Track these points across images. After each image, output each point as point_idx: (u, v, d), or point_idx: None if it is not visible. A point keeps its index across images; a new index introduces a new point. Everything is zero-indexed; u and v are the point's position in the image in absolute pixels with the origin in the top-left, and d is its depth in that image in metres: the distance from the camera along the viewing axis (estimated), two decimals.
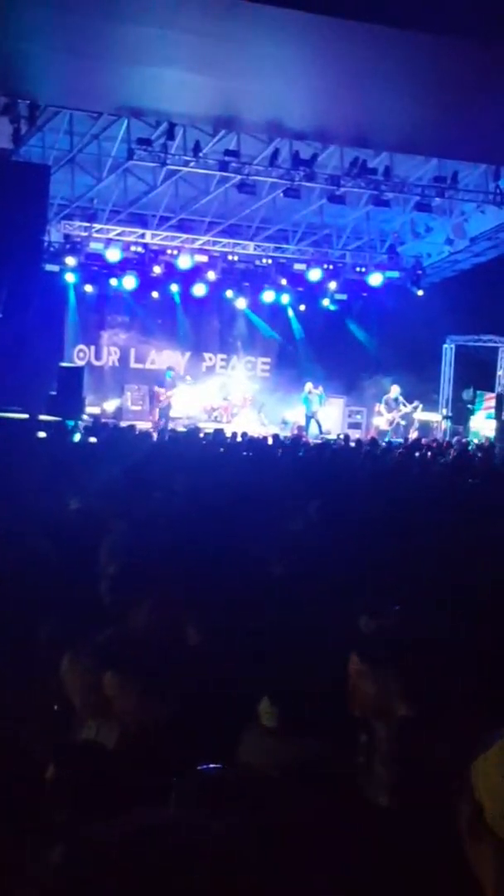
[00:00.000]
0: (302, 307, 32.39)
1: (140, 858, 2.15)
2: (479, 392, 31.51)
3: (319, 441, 25.51)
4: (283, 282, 31.07)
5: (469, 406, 31.41)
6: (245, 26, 14.85)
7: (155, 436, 22.88)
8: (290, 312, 32.54)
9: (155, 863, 2.15)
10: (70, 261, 28.39)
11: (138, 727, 4.35)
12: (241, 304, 31.74)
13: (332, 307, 32.36)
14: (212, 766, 3.52)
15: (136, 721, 4.38)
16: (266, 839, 2.55)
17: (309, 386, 29.94)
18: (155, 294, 30.51)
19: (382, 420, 30.30)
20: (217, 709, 4.39)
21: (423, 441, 25.41)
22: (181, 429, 25.40)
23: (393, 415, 30.22)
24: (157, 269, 29.45)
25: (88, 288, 29.86)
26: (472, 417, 31.13)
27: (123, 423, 25.51)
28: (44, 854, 2.24)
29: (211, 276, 30.04)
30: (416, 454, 20.61)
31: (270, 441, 21.93)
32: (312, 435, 28.74)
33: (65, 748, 3.96)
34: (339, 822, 3.31)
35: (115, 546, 7.42)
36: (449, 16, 14.16)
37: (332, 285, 31.43)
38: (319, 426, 29.80)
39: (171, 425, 27.15)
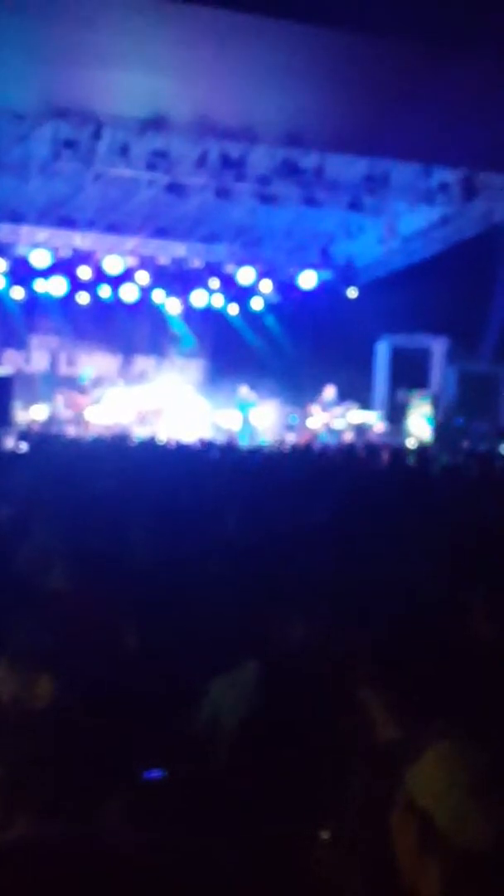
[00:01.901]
0: (234, 309, 32.27)
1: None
2: (413, 390, 31.52)
3: (253, 446, 25.34)
4: (215, 283, 30.95)
5: (404, 406, 31.40)
6: (171, 25, 14.75)
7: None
8: (223, 314, 32.42)
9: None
10: None
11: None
12: (173, 306, 31.57)
13: (264, 308, 32.29)
14: (155, 772, 3.48)
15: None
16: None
17: (244, 390, 29.77)
18: (85, 297, 30.24)
19: (317, 421, 30.17)
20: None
21: (359, 443, 25.35)
22: (107, 435, 25.17)
23: (327, 416, 30.10)
24: (86, 272, 29.19)
25: (16, 292, 29.49)
26: (407, 418, 31.13)
27: (54, 430, 25.29)
28: None
29: (141, 278, 29.83)
30: (351, 456, 20.53)
31: (208, 440, 21.84)
32: (246, 436, 28.62)
33: None
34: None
35: (34, 549, 7.40)
36: (376, 15, 14.10)
37: (265, 286, 31.34)
38: (253, 430, 29.64)
39: (97, 431, 26.87)
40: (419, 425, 30.55)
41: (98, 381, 29.84)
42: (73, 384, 30.24)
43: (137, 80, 18.14)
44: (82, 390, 29.02)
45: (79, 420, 28.44)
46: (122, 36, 15.53)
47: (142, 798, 3.40)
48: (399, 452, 22.53)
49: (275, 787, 3.71)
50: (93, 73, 17.64)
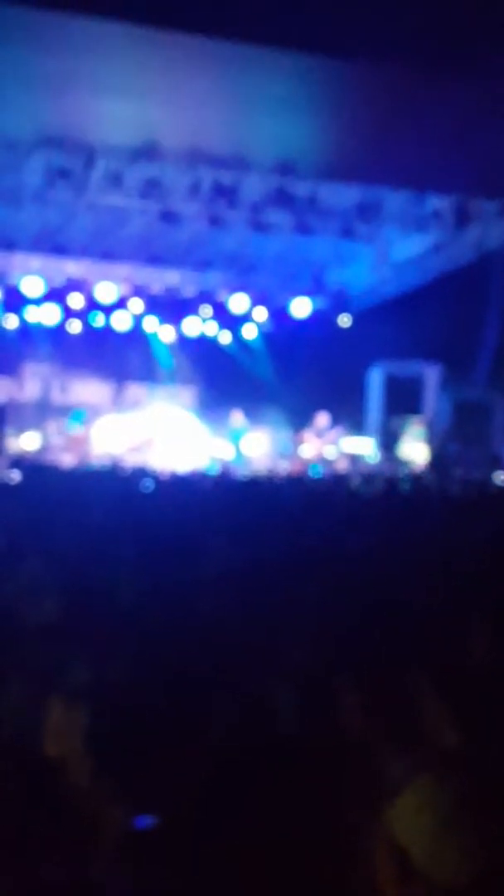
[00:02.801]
0: (227, 336, 32.33)
1: None
2: (407, 418, 31.57)
3: (246, 473, 25.31)
4: (208, 311, 31.02)
5: (398, 433, 31.43)
6: (160, 54, 14.81)
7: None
8: (216, 342, 32.48)
9: None
10: None
11: None
12: (165, 334, 31.63)
13: (257, 336, 32.36)
14: (146, 819, 3.43)
15: None
16: None
17: (236, 417, 29.79)
18: (78, 325, 30.28)
19: (311, 449, 30.15)
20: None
21: (353, 470, 25.34)
22: (100, 465, 25.14)
23: (321, 443, 30.09)
24: (79, 300, 29.23)
25: (8, 320, 29.52)
26: (401, 445, 31.15)
27: (45, 459, 25.26)
28: None
29: (134, 306, 29.90)
30: (345, 484, 20.54)
31: (201, 469, 21.79)
32: (239, 465, 28.61)
33: None
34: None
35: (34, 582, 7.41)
36: (368, 42, 14.16)
37: (258, 314, 31.42)
38: (245, 459, 29.64)
39: (92, 462, 26.90)
40: (413, 453, 30.56)
41: (93, 413, 29.83)
42: (67, 411, 30.32)
43: (130, 110, 18.19)
44: (79, 428, 29.03)
45: (79, 453, 28.49)
46: (114, 65, 15.58)
47: (135, 843, 3.35)
48: (393, 480, 22.53)
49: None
50: (85, 102, 17.70)
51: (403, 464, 29.80)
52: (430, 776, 2.69)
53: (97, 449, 28.74)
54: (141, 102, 17.66)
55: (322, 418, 30.17)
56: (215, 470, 25.46)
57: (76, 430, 28.91)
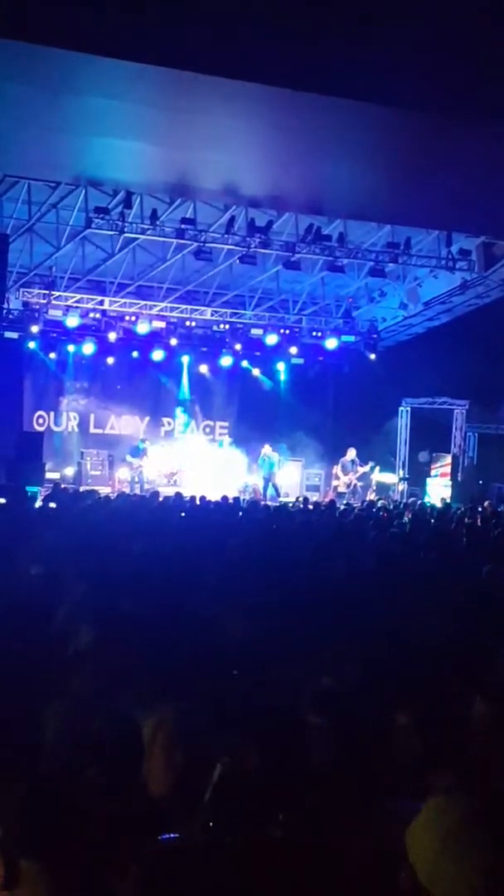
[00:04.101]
0: (259, 371, 32.57)
1: None
2: (434, 452, 31.84)
3: (277, 504, 25.61)
4: (241, 346, 31.23)
5: (426, 468, 31.70)
6: (199, 98, 14.99)
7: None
8: (248, 376, 32.68)
9: None
10: (29, 328, 28.50)
11: None
12: (199, 368, 31.93)
13: (288, 371, 32.58)
14: (172, 835, 3.51)
15: None
16: None
17: (266, 449, 30.14)
18: (113, 360, 30.62)
19: (340, 482, 30.48)
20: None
21: (381, 503, 25.49)
22: (138, 493, 25.55)
23: (350, 477, 30.41)
24: (115, 335, 29.57)
25: (47, 354, 29.95)
26: (428, 479, 31.42)
27: (83, 489, 25.58)
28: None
29: (169, 341, 30.23)
30: (373, 517, 20.64)
31: (231, 502, 22.01)
32: (270, 497, 28.93)
33: None
34: None
35: (74, 609, 7.45)
36: (398, 88, 14.43)
37: (289, 349, 31.66)
38: (277, 489, 29.95)
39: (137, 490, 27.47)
40: (440, 486, 30.81)
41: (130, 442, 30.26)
42: (103, 443, 30.86)
43: (166, 152, 18.45)
44: (139, 454, 29.46)
45: (137, 480, 29.07)
46: (151, 108, 15.78)
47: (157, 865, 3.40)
48: (421, 512, 22.80)
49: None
50: (123, 144, 17.94)
51: (430, 496, 30.05)
52: (443, 796, 2.80)
53: (135, 477, 29.21)
54: (177, 146, 17.95)
55: (351, 451, 30.51)
56: (248, 499, 25.81)
57: (137, 460, 29.34)
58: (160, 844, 3.47)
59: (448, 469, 31.03)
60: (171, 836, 3.53)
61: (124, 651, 6.25)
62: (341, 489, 30.26)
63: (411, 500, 28.85)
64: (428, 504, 27.20)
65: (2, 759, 4.41)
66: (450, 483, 30.55)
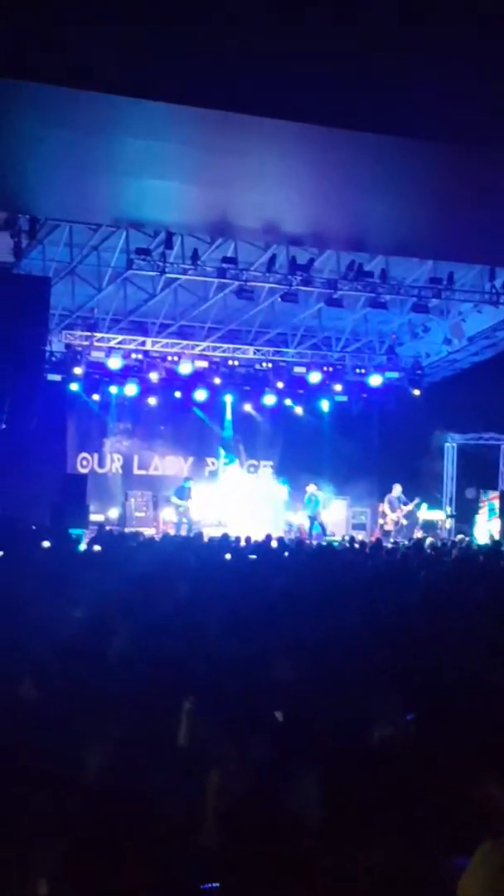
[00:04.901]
0: (303, 409, 32.52)
1: None
2: (481, 489, 31.57)
3: (323, 543, 25.48)
4: (284, 385, 31.24)
5: (473, 504, 31.43)
6: (238, 137, 15.00)
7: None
8: (292, 414, 32.63)
9: None
10: (72, 370, 28.59)
11: None
12: (243, 407, 31.91)
13: (332, 408, 32.50)
14: (213, 886, 3.52)
15: None
16: None
17: (311, 488, 30.04)
18: (156, 400, 30.68)
19: (388, 520, 30.28)
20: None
21: (429, 540, 25.29)
22: (183, 534, 25.47)
23: (396, 514, 30.22)
24: (157, 376, 29.64)
25: (90, 396, 30.04)
26: (476, 516, 31.14)
27: (128, 530, 25.57)
28: None
29: (212, 380, 30.26)
30: (420, 555, 20.50)
31: (275, 544, 21.86)
32: (316, 535, 28.82)
33: None
34: None
35: (119, 652, 7.56)
36: (440, 123, 14.37)
37: (333, 387, 31.62)
38: (323, 528, 29.82)
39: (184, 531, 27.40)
40: (488, 523, 30.53)
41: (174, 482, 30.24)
42: (147, 484, 30.81)
43: (205, 192, 18.46)
44: (185, 495, 29.42)
45: (185, 521, 28.98)
46: (189, 148, 15.75)
47: None
48: (469, 550, 22.58)
49: None
50: (162, 184, 17.96)
51: (478, 533, 29.79)
52: (490, 839, 2.79)
53: (182, 518, 29.17)
54: (217, 185, 17.95)
55: (397, 488, 30.35)
56: (293, 539, 25.69)
57: (182, 501, 29.32)
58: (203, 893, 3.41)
59: (495, 505, 30.70)
60: (213, 885, 3.55)
61: (168, 693, 6.19)
62: (388, 527, 30.05)
63: (459, 537, 28.59)
64: (476, 541, 26.98)
65: (44, 806, 4.41)
66: (498, 520, 30.21)
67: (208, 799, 4.36)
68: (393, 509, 30.31)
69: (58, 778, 4.84)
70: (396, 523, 30.14)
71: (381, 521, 30.79)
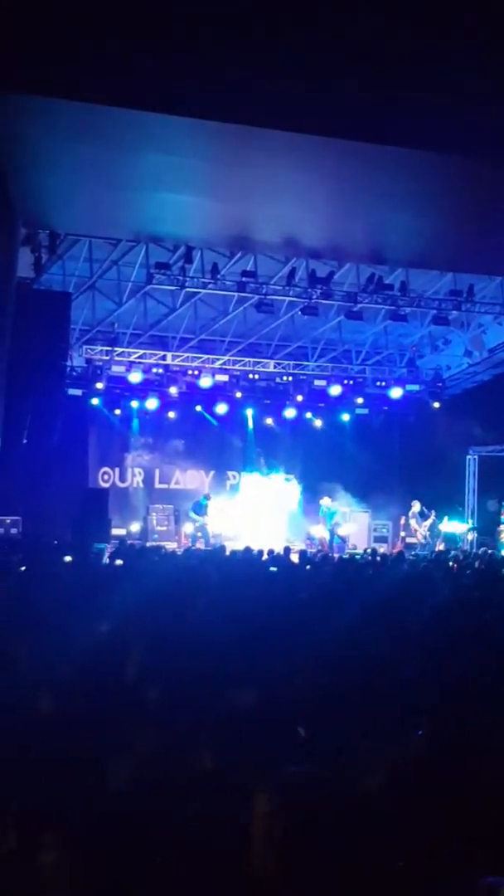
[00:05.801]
0: (320, 423, 32.51)
1: None
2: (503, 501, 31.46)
3: (345, 556, 25.43)
4: (304, 398, 31.24)
5: (495, 517, 31.31)
6: (258, 151, 15.02)
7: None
8: (312, 427, 32.62)
9: None
10: (92, 385, 28.66)
11: None
12: (264, 421, 31.91)
13: (352, 421, 32.48)
14: None
15: None
16: None
17: (326, 501, 30.03)
18: (176, 414, 30.72)
19: (418, 534, 30.22)
20: None
21: (453, 553, 25.21)
22: (202, 547, 25.46)
23: (418, 527, 30.18)
24: (178, 390, 29.67)
25: (111, 411, 30.10)
26: (498, 528, 31.01)
27: (150, 544, 25.57)
28: None
29: (233, 394, 30.29)
30: (442, 567, 20.44)
31: (295, 557, 21.82)
32: (336, 546, 28.79)
33: None
34: None
35: (141, 667, 7.56)
36: (459, 136, 14.38)
37: (353, 400, 31.61)
38: (343, 540, 29.78)
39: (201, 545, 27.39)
40: None
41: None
42: (169, 498, 30.83)
43: (225, 206, 18.47)
44: (202, 511, 29.41)
45: (201, 536, 28.98)
46: (208, 163, 15.80)
47: None
48: (491, 562, 22.49)
49: None
50: (181, 199, 17.99)
51: (500, 546, 29.67)
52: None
53: (198, 533, 29.15)
54: (236, 199, 17.98)
55: (416, 505, 30.33)
56: (315, 552, 25.63)
57: (199, 517, 29.32)
58: None
59: None
60: None
61: (190, 709, 6.21)
62: (414, 541, 30.00)
63: (481, 550, 28.48)
64: (499, 554, 26.88)
65: (63, 822, 4.35)
66: None
67: (256, 825, 4.23)
68: (420, 523, 30.29)
69: (77, 793, 4.83)
70: (418, 535, 30.11)
71: (402, 534, 30.73)
